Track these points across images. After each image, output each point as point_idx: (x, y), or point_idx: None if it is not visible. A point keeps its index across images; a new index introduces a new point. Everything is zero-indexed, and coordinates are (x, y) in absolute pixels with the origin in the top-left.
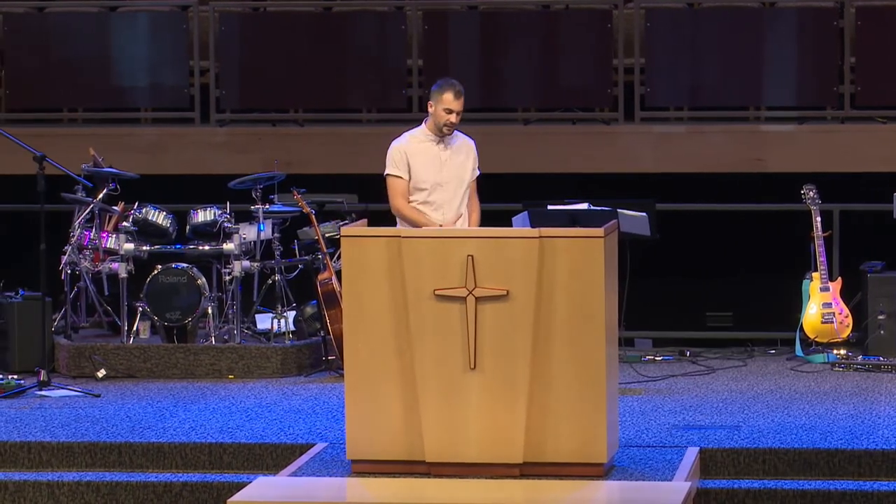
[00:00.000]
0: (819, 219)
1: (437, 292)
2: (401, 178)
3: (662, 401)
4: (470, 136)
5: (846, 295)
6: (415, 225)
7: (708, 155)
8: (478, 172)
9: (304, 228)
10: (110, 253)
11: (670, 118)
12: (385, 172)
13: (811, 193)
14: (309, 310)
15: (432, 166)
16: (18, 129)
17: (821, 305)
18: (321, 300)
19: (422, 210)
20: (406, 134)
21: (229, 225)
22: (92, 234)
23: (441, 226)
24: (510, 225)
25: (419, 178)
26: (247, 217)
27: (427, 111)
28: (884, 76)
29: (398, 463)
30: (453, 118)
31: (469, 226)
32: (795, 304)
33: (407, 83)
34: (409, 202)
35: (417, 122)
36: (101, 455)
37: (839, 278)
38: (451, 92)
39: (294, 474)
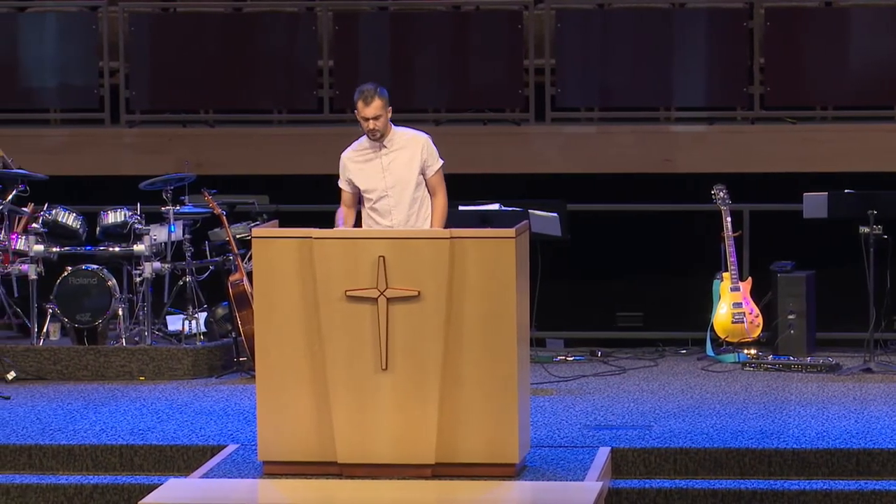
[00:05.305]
0: (729, 219)
1: (348, 293)
2: (342, 188)
3: (574, 401)
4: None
5: (756, 295)
6: None
7: (618, 155)
8: (439, 163)
9: (215, 230)
10: (20, 254)
11: (580, 119)
12: None
13: (721, 194)
14: (220, 311)
15: (374, 175)
16: None
17: (731, 305)
18: (232, 301)
19: (371, 216)
20: (355, 142)
21: (140, 226)
22: (1, 235)
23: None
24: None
25: (364, 188)
26: (157, 218)
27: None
28: (793, 77)
29: (310, 464)
30: (371, 125)
31: (433, 222)
32: (706, 304)
33: (318, 84)
34: (351, 209)
35: (328, 123)
36: (10, 457)
37: (749, 278)
38: (360, 101)
39: (205, 476)
